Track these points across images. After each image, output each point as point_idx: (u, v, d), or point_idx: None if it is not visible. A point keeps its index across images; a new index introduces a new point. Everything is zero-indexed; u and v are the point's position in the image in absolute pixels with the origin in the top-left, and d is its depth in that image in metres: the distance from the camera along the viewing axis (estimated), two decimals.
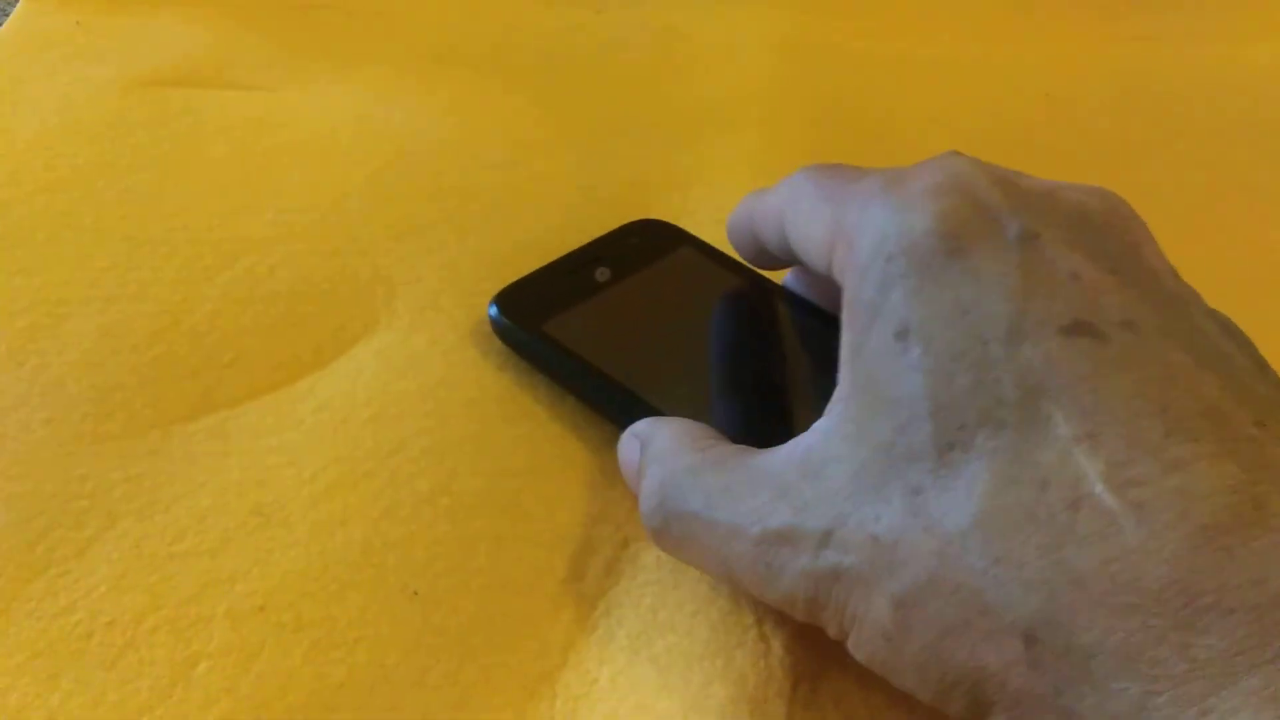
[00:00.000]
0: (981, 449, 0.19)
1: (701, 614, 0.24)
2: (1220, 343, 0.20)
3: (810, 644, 0.24)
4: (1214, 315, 0.21)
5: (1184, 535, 0.17)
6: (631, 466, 0.25)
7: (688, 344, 0.29)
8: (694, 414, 0.26)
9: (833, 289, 0.28)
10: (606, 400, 0.28)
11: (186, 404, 0.28)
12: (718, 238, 0.34)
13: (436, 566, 0.25)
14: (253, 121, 0.39)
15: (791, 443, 0.22)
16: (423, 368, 0.30)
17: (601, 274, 0.31)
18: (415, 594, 0.24)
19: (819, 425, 0.21)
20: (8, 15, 0.44)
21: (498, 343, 0.31)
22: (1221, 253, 0.39)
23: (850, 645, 0.20)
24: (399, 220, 0.35)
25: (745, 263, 0.30)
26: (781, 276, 0.31)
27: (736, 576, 0.22)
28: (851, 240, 0.22)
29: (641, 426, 0.25)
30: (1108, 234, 0.21)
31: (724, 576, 0.23)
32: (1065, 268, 0.20)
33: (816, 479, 0.21)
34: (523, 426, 0.29)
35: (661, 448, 0.24)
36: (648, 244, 0.33)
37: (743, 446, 0.23)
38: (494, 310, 0.30)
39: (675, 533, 0.23)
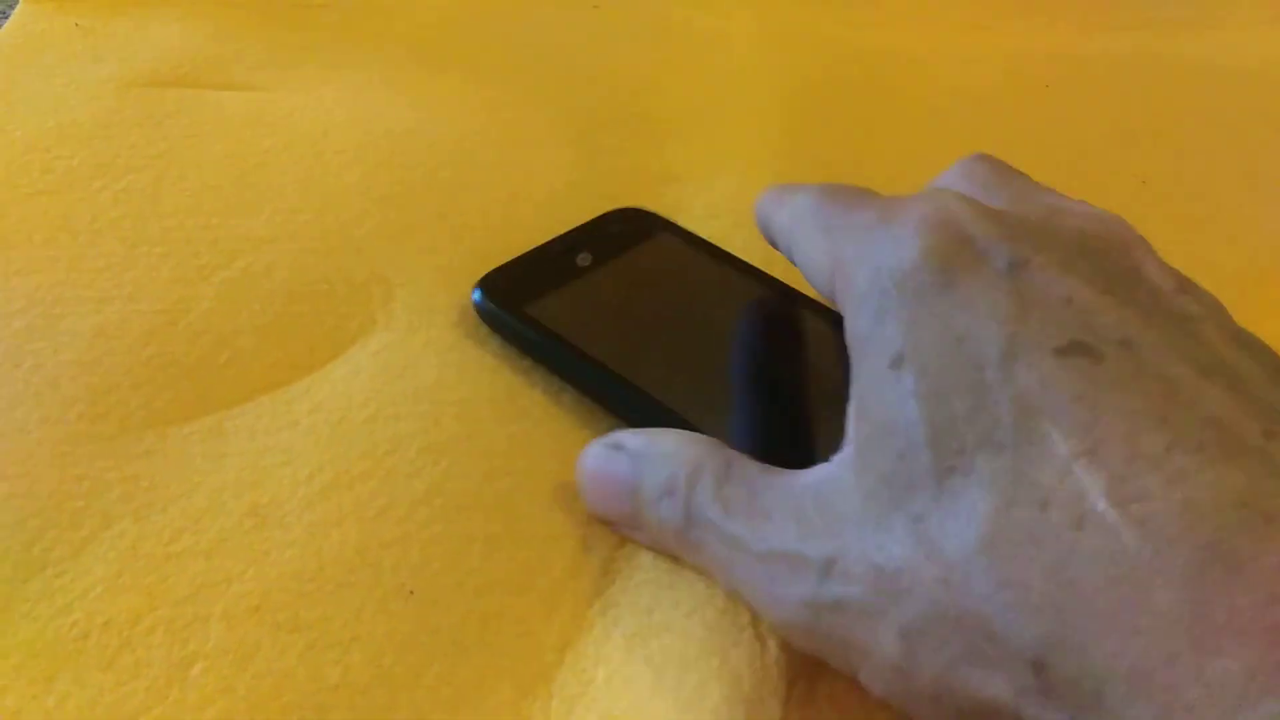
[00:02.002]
0: (981, 472, 0.18)
1: (697, 613, 0.24)
2: (1228, 353, 0.20)
3: None
4: (1226, 327, 0.21)
5: (1191, 551, 0.16)
6: (616, 474, 0.25)
7: (668, 327, 0.30)
8: (676, 394, 0.27)
9: None
10: (587, 379, 0.29)
11: (182, 404, 0.28)
12: (711, 232, 0.34)
13: (432, 566, 0.25)
14: (249, 121, 0.39)
15: (813, 468, 0.22)
16: (419, 368, 0.30)
17: (583, 259, 0.32)
18: (411, 594, 0.24)
19: (837, 454, 0.22)
20: (7, 17, 0.44)
21: (494, 343, 0.31)
22: (1222, 241, 0.38)
23: (862, 678, 0.20)
24: (395, 220, 0.35)
25: (727, 250, 0.30)
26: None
27: (739, 591, 0.22)
28: (848, 273, 0.22)
29: (625, 437, 0.25)
30: (1106, 257, 0.21)
31: (730, 588, 0.23)
32: (1058, 292, 0.20)
33: (825, 507, 0.21)
34: (519, 426, 0.29)
35: (671, 451, 0.24)
36: (628, 230, 0.33)
37: (767, 466, 0.23)
38: (477, 295, 0.31)
39: (694, 537, 0.23)
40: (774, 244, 0.28)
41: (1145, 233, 0.23)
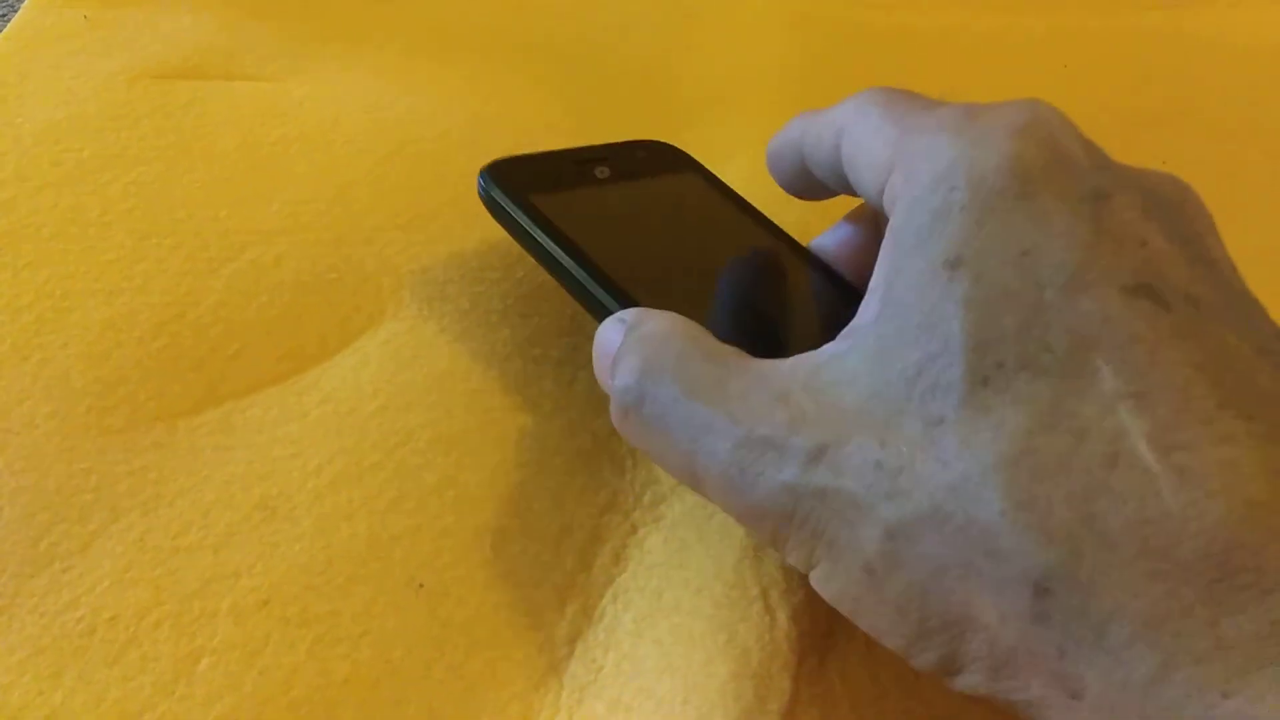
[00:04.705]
0: (1018, 391, 0.18)
1: (706, 590, 0.23)
2: (1273, 340, 0.19)
3: (816, 616, 0.23)
4: (1268, 317, 0.20)
5: (1227, 507, 0.16)
6: (610, 348, 0.23)
7: (667, 248, 0.29)
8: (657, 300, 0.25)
9: (860, 256, 0.27)
10: (580, 282, 0.26)
11: (191, 397, 0.28)
12: None
13: (443, 559, 0.25)
14: (259, 112, 0.39)
15: (798, 357, 0.21)
16: (429, 358, 0.30)
17: (601, 172, 0.31)
18: (421, 587, 0.24)
19: (831, 347, 0.20)
20: (16, 11, 0.44)
21: (504, 332, 0.30)
22: (1245, 223, 0.38)
23: (817, 576, 0.19)
24: (405, 209, 0.35)
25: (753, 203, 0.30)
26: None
27: (701, 477, 0.21)
28: (913, 167, 0.21)
29: (631, 312, 0.23)
30: (1179, 216, 0.21)
31: (687, 475, 0.21)
32: (1136, 232, 0.19)
33: (822, 394, 0.19)
34: (529, 417, 0.28)
35: (653, 329, 0.22)
36: (654, 159, 0.33)
37: (742, 352, 0.22)
38: (482, 178, 0.30)
39: (646, 413, 0.21)
40: (803, 154, 0.26)
41: None
